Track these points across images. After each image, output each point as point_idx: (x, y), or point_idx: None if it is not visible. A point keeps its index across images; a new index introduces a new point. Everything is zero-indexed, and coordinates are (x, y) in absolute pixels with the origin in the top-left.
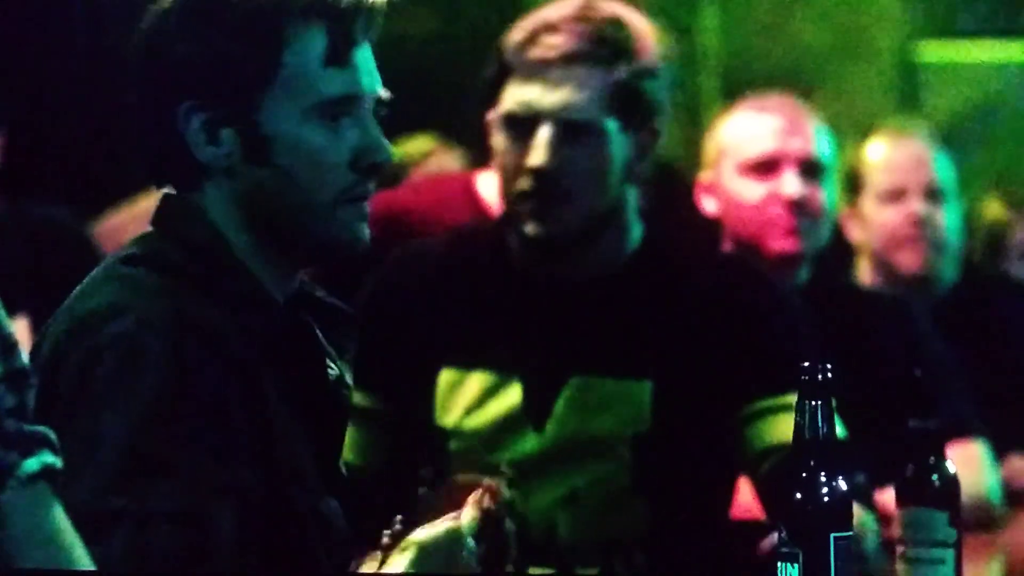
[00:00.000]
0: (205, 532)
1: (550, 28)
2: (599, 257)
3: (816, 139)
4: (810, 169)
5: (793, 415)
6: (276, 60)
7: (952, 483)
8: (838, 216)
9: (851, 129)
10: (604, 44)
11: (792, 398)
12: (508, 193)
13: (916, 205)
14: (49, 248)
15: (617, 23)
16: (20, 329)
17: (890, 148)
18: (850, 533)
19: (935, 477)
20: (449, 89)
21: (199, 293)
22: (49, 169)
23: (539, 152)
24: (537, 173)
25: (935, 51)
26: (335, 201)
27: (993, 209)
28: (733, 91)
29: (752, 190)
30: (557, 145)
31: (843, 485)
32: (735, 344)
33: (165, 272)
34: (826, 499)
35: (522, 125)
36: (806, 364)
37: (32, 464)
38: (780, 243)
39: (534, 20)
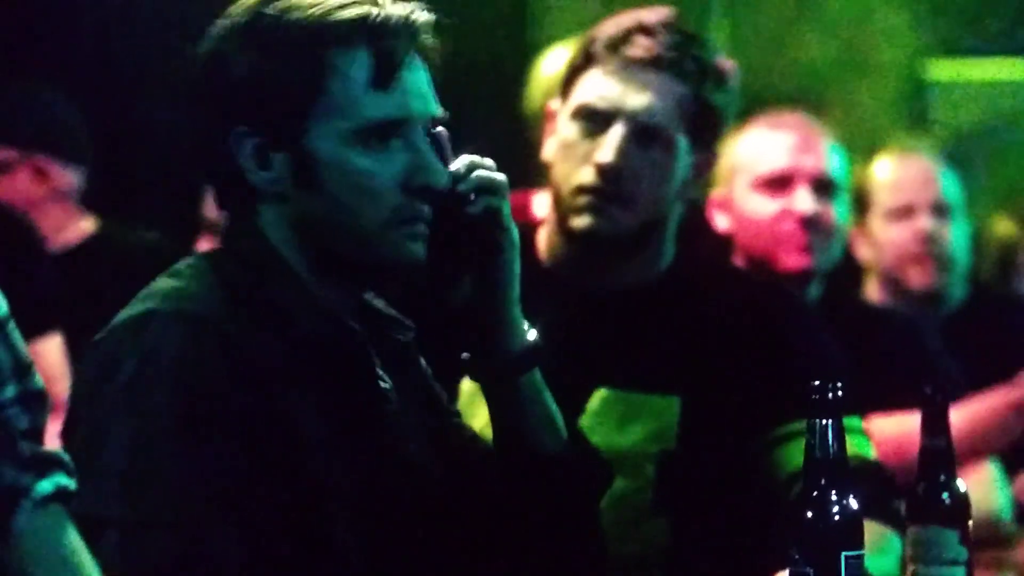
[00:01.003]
0: (199, 542)
1: (645, 30)
2: (635, 269)
3: (829, 156)
4: (823, 186)
5: None
6: (320, 85)
7: (963, 501)
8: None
9: (859, 146)
10: (692, 59)
11: None
12: (566, 183)
13: (924, 222)
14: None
15: (704, 42)
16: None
17: (896, 166)
18: (861, 552)
19: (946, 495)
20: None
21: (243, 304)
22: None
23: (611, 149)
24: (604, 169)
25: (943, 69)
26: (387, 223)
27: (1003, 226)
28: (742, 109)
29: (765, 206)
30: (629, 146)
31: (853, 504)
32: (766, 366)
33: (213, 281)
34: (837, 518)
35: (597, 119)
36: (816, 383)
37: (46, 486)
38: (793, 260)
39: (628, 19)
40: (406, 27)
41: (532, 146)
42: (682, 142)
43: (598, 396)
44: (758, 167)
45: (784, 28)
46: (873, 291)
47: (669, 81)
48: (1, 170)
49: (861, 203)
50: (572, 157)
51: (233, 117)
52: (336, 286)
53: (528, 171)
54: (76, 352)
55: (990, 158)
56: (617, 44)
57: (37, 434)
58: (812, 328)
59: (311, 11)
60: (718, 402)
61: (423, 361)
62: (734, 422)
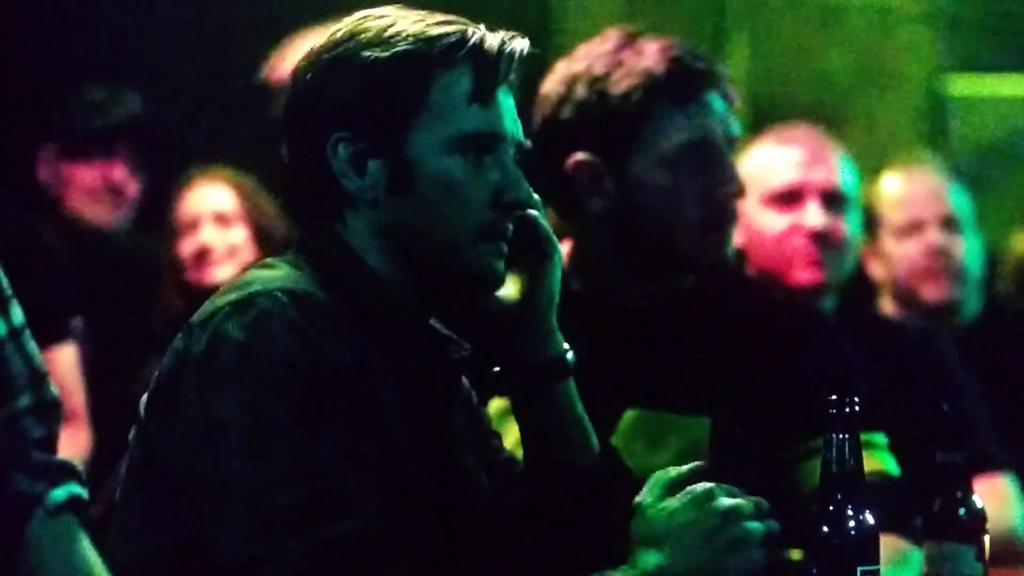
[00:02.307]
0: (325, 493)
1: (716, 79)
2: (664, 288)
3: (839, 170)
4: (833, 200)
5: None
6: (423, 97)
7: (979, 518)
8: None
9: (878, 161)
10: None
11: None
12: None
13: (933, 236)
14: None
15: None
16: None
17: (903, 182)
18: (876, 567)
19: (962, 511)
20: None
21: (336, 297)
22: None
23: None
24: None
25: (963, 84)
26: (475, 237)
27: (1021, 242)
28: (760, 120)
29: (775, 221)
30: None
31: (870, 519)
32: (792, 382)
33: (307, 273)
34: (853, 533)
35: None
36: (833, 398)
37: (59, 495)
38: (803, 275)
39: (682, 50)
40: (506, 49)
41: None
42: None
43: (628, 417)
44: (768, 182)
45: (804, 41)
46: (887, 308)
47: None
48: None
49: (871, 221)
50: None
51: (333, 126)
52: (415, 295)
53: None
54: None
55: (1009, 174)
56: (690, 88)
57: (51, 443)
58: (837, 343)
59: (415, 26)
60: (747, 420)
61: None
62: (764, 439)
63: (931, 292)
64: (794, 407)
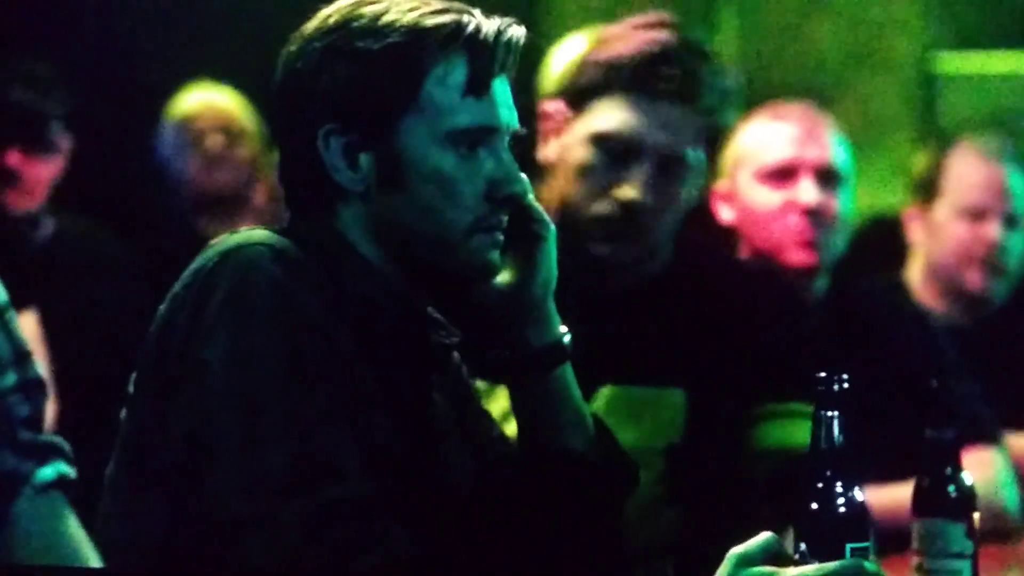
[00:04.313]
0: (312, 446)
1: (668, 60)
2: (637, 271)
3: (833, 147)
4: (827, 177)
5: (794, 421)
6: (416, 88)
7: (969, 494)
8: (900, 214)
9: (868, 139)
10: (711, 89)
11: (796, 406)
12: (584, 209)
13: (995, 230)
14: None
15: (718, 68)
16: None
17: (976, 165)
18: (867, 544)
19: (952, 488)
20: None
21: (320, 276)
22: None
23: (637, 186)
24: (629, 206)
25: (953, 62)
26: (469, 230)
27: None
28: (750, 98)
29: (769, 198)
30: (652, 181)
31: (859, 496)
32: (754, 350)
33: (292, 245)
34: (842, 509)
35: (618, 150)
36: (822, 375)
37: (47, 473)
38: (797, 256)
39: (643, 42)
40: (503, 38)
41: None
42: (697, 164)
43: (603, 394)
44: (761, 158)
45: (794, 20)
46: (916, 276)
47: (690, 113)
48: None
49: (929, 190)
50: (590, 184)
51: (324, 117)
52: (408, 284)
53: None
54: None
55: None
56: (642, 74)
57: (37, 422)
58: (797, 314)
59: (408, 15)
60: (719, 389)
61: (463, 365)
62: (735, 408)
63: (973, 280)
64: (759, 375)
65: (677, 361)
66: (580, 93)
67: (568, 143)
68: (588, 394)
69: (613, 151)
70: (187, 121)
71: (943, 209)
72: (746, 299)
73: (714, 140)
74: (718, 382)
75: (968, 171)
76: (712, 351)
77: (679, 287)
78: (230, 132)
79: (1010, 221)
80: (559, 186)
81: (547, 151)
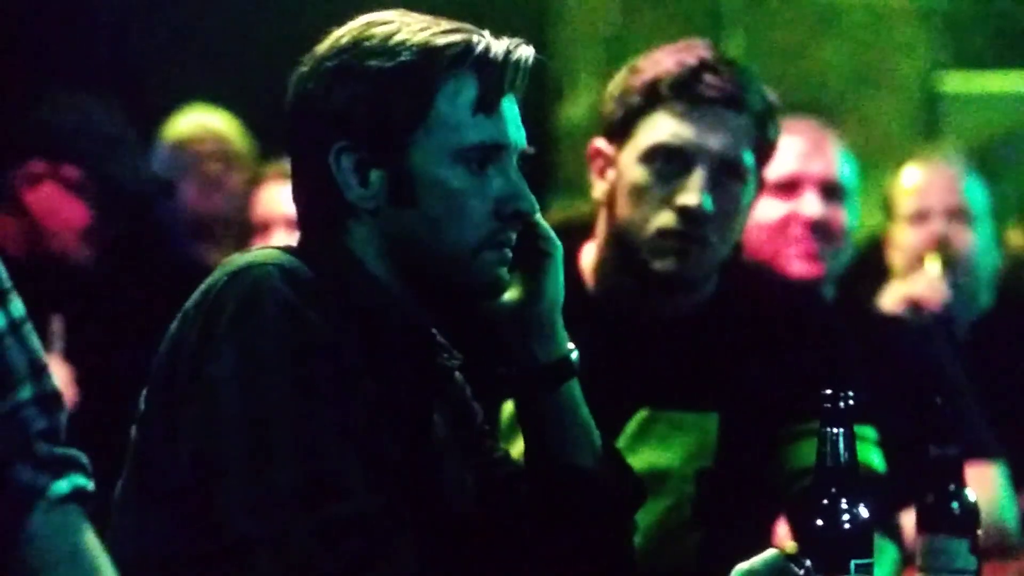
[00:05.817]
0: (322, 465)
1: (712, 68)
2: (687, 299)
3: (837, 161)
4: (831, 190)
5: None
6: (427, 106)
7: (972, 511)
8: (880, 240)
9: (874, 157)
10: (754, 92)
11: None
12: (643, 227)
13: (937, 225)
14: None
15: (753, 74)
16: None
17: (918, 173)
18: (870, 560)
19: (955, 505)
20: None
21: (329, 294)
22: None
23: (695, 191)
24: (689, 212)
25: (957, 82)
26: (478, 247)
27: (1016, 238)
28: None
29: (772, 210)
30: (712, 186)
31: (864, 512)
32: (793, 373)
33: (301, 265)
34: (847, 526)
35: (674, 160)
36: (827, 392)
37: (63, 486)
38: (800, 267)
39: (683, 56)
40: (512, 58)
41: (549, 148)
42: (751, 177)
43: (638, 417)
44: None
45: (800, 40)
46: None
47: (738, 118)
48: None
49: (888, 209)
50: (647, 201)
51: (335, 135)
52: (416, 301)
53: (547, 174)
54: None
55: (1002, 170)
56: (686, 83)
57: (55, 434)
58: (835, 334)
59: (419, 35)
60: (753, 414)
61: (467, 387)
62: (768, 433)
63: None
64: (789, 397)
65: (716, 386)
66: (623, 121)
67: (619, 171)
68: (623, 417)
69: (666, 162)
70: (184, 144)
71: (898, 223)
72: (788, 321)
73: (760, 153)
74: (754, 406)
75: (911, 181)
76: (750, 376)
77: (722, 311)
78: (227, 157)
79: (957, 216)
80: (616, 215)
81: (597, 190)
